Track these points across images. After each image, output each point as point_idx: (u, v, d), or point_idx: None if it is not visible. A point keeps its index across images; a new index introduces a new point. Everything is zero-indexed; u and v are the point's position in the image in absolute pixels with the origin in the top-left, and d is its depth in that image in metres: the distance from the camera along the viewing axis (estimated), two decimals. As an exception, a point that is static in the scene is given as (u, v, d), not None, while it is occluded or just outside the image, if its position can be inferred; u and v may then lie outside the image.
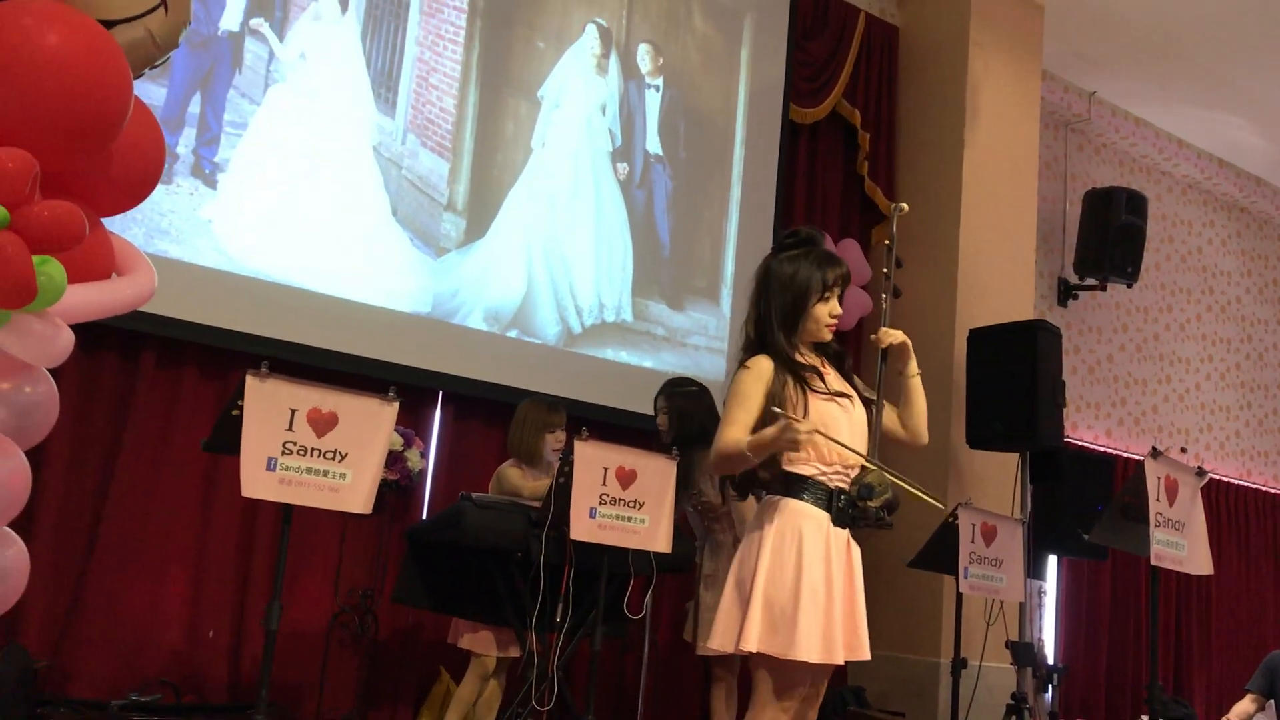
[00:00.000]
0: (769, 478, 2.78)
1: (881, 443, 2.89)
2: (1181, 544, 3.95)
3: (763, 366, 2.77)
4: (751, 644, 2.64)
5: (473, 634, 4.33)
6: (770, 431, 2.62)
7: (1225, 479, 8.62)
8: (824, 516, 2.73)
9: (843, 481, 2.77)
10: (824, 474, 2.75)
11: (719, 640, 2.74)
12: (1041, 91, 7.10)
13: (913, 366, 2.90)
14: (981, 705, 5.10)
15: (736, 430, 2.71)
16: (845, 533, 2.77)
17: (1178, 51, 7.30)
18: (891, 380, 2.95)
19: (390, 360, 4.89)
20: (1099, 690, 7.39)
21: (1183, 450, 8.11)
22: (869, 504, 2.70)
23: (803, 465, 2.75)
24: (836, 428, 2.75)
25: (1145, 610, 7.54)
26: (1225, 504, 8.56)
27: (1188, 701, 7.01)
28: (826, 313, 2.83)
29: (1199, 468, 4.11)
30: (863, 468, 2.76)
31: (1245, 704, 5.52)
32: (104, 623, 4.33)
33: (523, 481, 4.37)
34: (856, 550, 2.80)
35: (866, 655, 2.75)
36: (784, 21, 6.37)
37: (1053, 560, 6.62)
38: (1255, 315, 9.27)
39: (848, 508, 2.75)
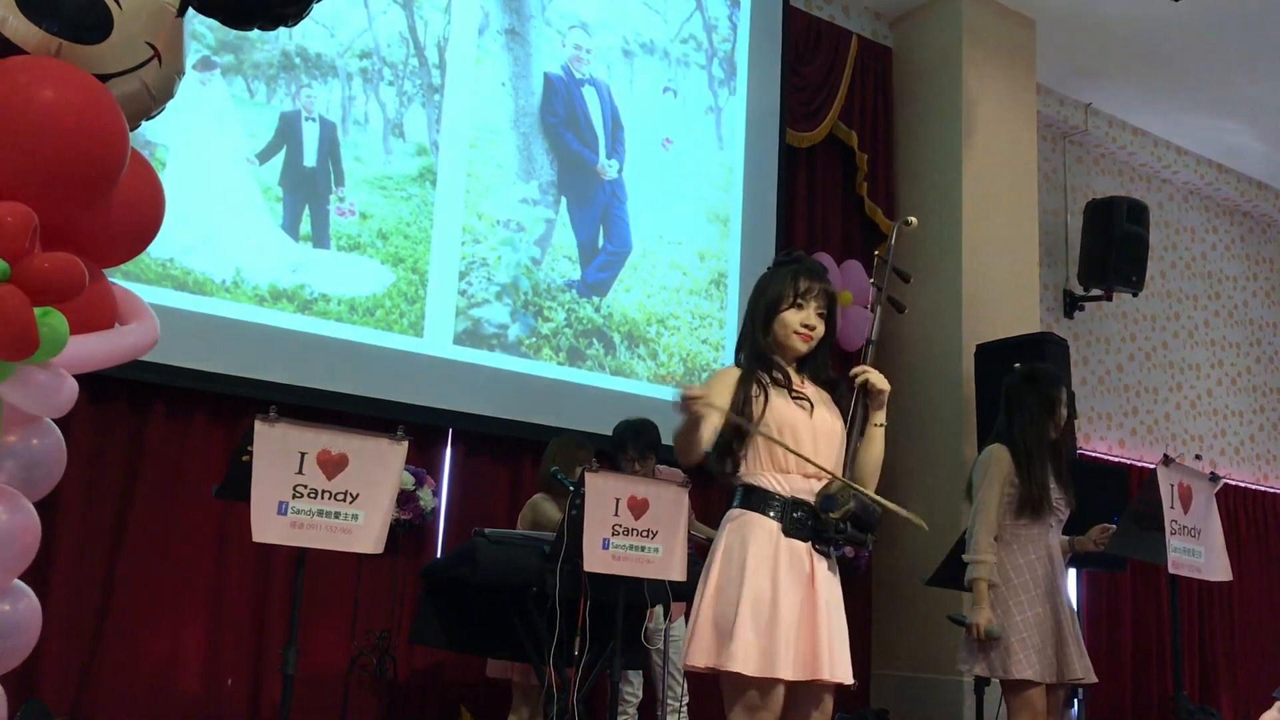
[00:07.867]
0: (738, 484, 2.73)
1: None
2: (1198, 551, 3.92)
3: (729, 372, 2.80)
4: (695, 659, 2.58)
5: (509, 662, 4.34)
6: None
7: (1242, 484, 8.57)
8: (774, 526, 2.63)
9: (805, 494, 2.65)
10: (779, 484, 2.66)
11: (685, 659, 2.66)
12: (1037, 105, 7.13)
13: (881, 417, 2.78)
14: (1007, 722, 5.05)
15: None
16: (804, 545, 2.63)
17: (1171, 60, 7.32)
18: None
19: (398, 400, 4.90)
20: (1125, 702, 7.32)
21: (1197, 457, 8.07)
22: (830, 515, 2.60)
23: (759, 475, 2.69)
24: (796, 431, 2.68)
25: (1167, 620, 7.47)
26: (1244, 509, 8.50)
27: (1214, 709, 6.94)
28: (798, 321, 2.77)
29: (1212, 473, 4.10)
30: (829, 480, 2.65)
31: (1273, 713, 5.45)
32: (122, 674, 4.33)
33: (557, 514, 4.38)
34: (822, 564, 2.64)
35: (843, 678, 2.58)
36: (777, 47, 6.40)
37: (1071, 573, 6.56)
38: (1263, 319, 9.24)
39: (806, 519, 2.64)
